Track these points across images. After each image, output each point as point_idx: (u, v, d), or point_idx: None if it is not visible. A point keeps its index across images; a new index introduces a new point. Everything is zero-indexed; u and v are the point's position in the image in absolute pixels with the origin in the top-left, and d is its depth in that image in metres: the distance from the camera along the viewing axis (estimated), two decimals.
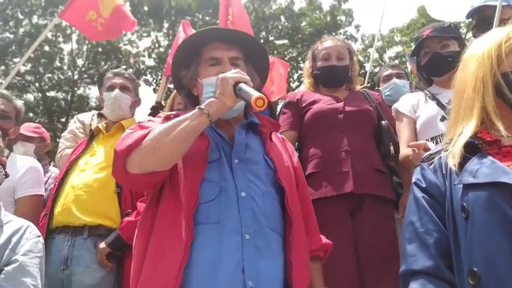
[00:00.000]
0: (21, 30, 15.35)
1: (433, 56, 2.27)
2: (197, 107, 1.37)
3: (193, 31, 4.07)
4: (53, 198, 2.26)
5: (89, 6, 3.77)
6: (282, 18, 17.70)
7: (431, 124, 2.14)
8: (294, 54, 18.01)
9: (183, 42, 1.66)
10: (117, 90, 2.47)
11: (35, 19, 15.01)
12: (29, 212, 2.23)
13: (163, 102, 3.41)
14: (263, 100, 1.27)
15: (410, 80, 3.41)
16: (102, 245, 2.08)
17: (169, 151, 1.32)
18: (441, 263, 1.09)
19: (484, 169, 1.09)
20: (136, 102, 2.60)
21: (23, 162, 2.41)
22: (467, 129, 1.19)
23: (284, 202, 1.45)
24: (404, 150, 2.14)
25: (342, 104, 2.30)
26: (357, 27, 17.95)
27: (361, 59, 16.72)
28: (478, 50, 1.25)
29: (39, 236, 1.76)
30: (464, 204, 1.08)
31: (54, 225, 2.18)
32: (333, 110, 2.29)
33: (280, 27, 17.88)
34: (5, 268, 1.58)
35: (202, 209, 1.34)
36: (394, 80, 3.08)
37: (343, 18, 17.70)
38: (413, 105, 2.29)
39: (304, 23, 17.49)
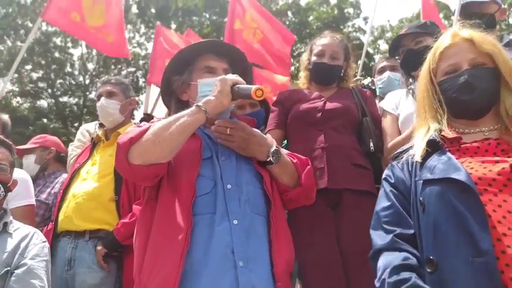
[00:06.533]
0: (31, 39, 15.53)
1: (407, 53, 2.37)
2: (195, 104, 1.51)
3: (170, 31, 4.08)
4: (58, 206, 2.39)
5: (71, 8, 3.70)
6: (289, 13, 17.65)
7: (409, 121, 2.20)
8: (303, 50, 17.93)
9: (181, 51, 1.83)
10: (102, 99, 2.56)
11: (44, 26, 15.17)
12: (22, 221, 2.26)
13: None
14: (261, 90, 1.42)
15: None
16: (99, 246, 2.21)
17: (168, 144, 1.45)
18: (399, 240, 1.22)
19: (440, 165, 1.20)
20: (129, 103, 2.64)
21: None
22: (423, 129, 1.34)
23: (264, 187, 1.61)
24: (389, 146, 2.24)
25: (322, 102, 2.34)
26: (365, 19, 17.78)
27: (371, 51, 16.60)
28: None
29: (44, 241, 1.93)
30: (421, 198, 1.20)
31: (59, 231, 2.32)
32: (312, 109, 2.32)
33: (287, 22, 17.82)
34: (15, 271, 1.75)
35: (199, 201, 1.48)
36: (387, 72, 3.20)
37: (351, 10, 17.58)
38: (396, 103, 2.38)
39: (311, 18, 17.41)
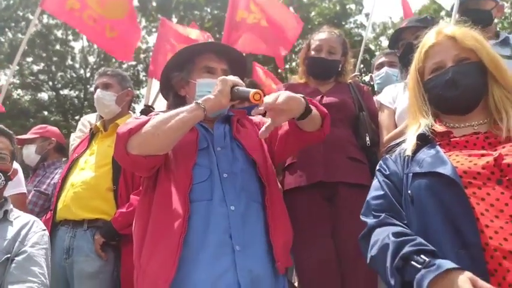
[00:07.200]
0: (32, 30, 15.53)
1: (406, 46, 2.36)
2: (194, 101, 1.56)
3: (172, 22, 4.04)
4: (57, 195, 2.43)
5: None
6: (291, 9, 17.59)
7: (406, 115, 2.21)
8: (304, 45, 17.87)
9: (182, 50, 1.87)
10: (98, 90, 2.62)
11: (45, 19, 15.17)
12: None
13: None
14: (259, 94, 1.46)
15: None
16: (97, 235, 2.25)
17: (166, 138, 1.52)
18: (391, 218, 1.25)
19: (428, 159, 1.23)
20: (125, 94, 2.67)
21: None
22: (415, 125, 1.37)
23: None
24: (385, 139, 2.25)
25: (319, 97, 2.35)
26: (367, 15, 17.73)
27: (373, 47, 16.57)
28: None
29: (44, 230, 1.97)
30: (409, 191, 1.23)
31: (58, 220, 2.36)
32: None
33: None
34: (15, 258, 1.79)
35: (196, 189, 1.55)
36: (385, 68, 3.22)
37: (353, 6, 17.54)
38: (393, 97, 2.39)
39: (313, 13, 17.37)
